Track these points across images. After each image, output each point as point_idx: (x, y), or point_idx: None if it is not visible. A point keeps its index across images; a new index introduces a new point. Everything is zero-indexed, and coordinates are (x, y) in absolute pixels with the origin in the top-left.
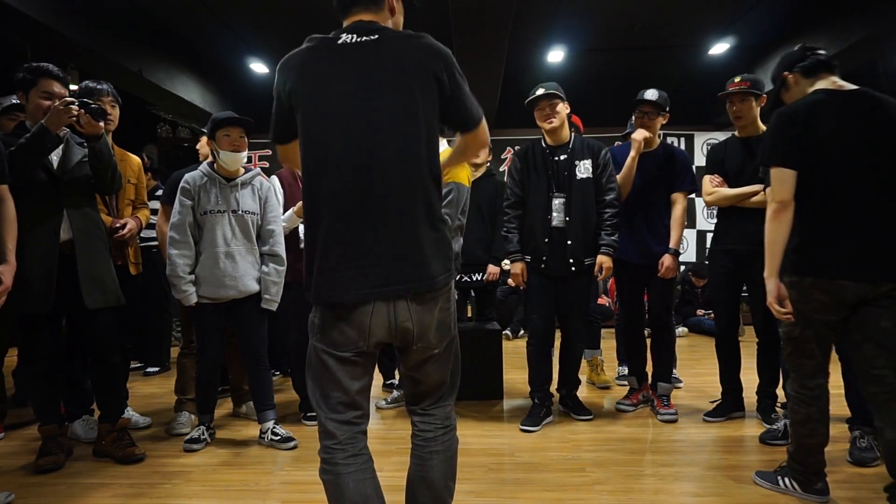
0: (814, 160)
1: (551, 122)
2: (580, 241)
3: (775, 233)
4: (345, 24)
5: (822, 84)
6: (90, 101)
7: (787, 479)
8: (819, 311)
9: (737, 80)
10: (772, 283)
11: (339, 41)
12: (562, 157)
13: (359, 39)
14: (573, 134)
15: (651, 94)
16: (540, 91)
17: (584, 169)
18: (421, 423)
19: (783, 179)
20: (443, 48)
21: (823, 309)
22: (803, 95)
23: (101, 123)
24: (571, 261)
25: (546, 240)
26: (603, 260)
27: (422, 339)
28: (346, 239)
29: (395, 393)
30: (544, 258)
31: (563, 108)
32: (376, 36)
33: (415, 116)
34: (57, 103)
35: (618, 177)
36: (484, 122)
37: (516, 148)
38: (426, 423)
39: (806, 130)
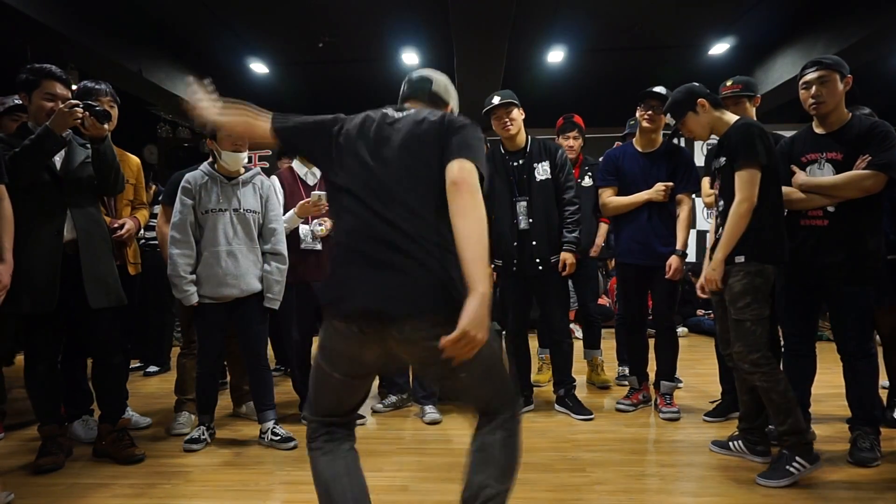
0: (775, 167)
1: (509, 130)
2: (545, 240)
3: (740, 227)
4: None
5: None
6: (94, 104)
7: (796, 462)
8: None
9: (728, 83)
10: (721, 267)
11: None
12: (520, 162)
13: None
14: (529, 137)
15: (660, 88)
16: (496, 100)
17: (542, 171)
18: (479, 425)
19: (755, 181)
20: (443, 122)
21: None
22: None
23: (105, 125)
24: (538, 260)
25: (515, 243)
26: (566, 257)
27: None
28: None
29: (393, 398)
30: (515, 260)
31: (519, 115)
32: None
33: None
34: (61, 105)
35: (614, 200)
36: (469, 166)
37: None
38: (481, 429)
39: (770, 142)
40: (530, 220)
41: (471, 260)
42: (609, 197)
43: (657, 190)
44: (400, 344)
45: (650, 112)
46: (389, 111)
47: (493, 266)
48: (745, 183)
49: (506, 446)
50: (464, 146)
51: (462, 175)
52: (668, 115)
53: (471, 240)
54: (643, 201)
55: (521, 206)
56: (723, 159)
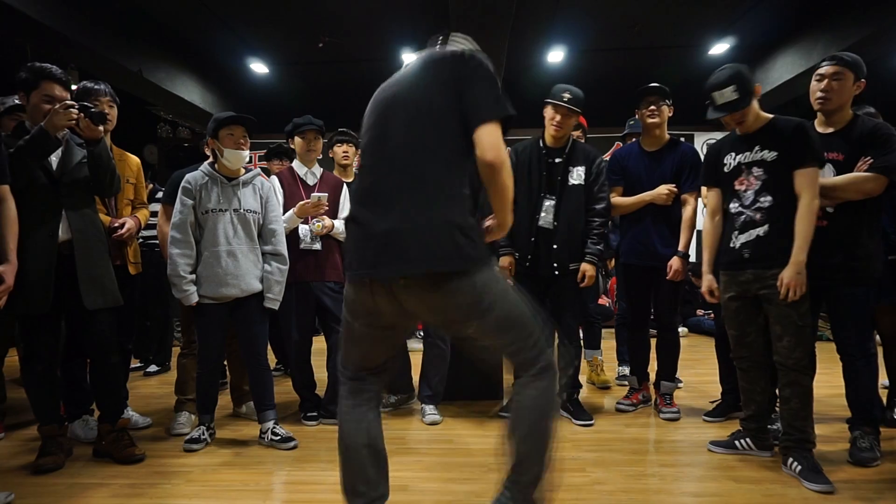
0: None
1: (559, 130)
2: (565, 245)
3: (813, 227)
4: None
5: None
6: (90, 105)
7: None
8: None
9: None
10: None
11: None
12: (557, 160)
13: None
14: (571, 139)
15: (653, 84)
16: (567, 96)
17: (577, 175)
18: (513, 384)
19: (817, 181)
20: (462, 53)
21: None
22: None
23: (101, 127)
24: (556, 265)
25: (532, 238)
26: (586, 267)
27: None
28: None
29: (393, 398)
30: (529, 257)
31: (573, 123)
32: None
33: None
34: (57, 106)
35: (619, 201)
36: (495, 127)
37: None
38: (514, 387)
39: None
40: (555, 223)
41: (501, 207)
42: (614, 197)
43: (660, 193)
44: (407, 299)
45: (651, 107)
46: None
47: (512, 255)
48: (813, 182)
49: (536, 406)
50: (484, 104)
51: (495, 154)
52: (737, 94)
53: (501, 210)
54: (646, 202)
55: (548, 204)
56: (772, 154)
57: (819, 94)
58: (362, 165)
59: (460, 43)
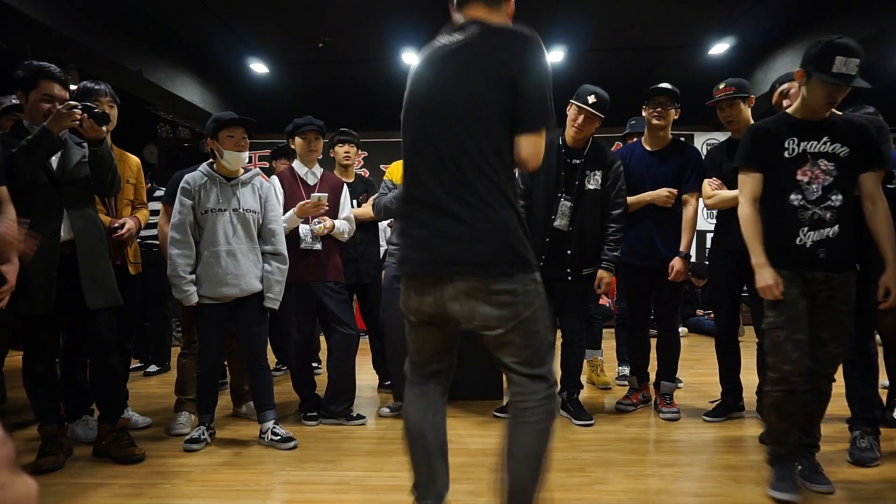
0: None
1: (579, 132)
2: (579, 250)
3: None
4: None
5: None
6: (93, 106)
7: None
8: None
9: (721, 86)
10: None
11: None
12: (576, 161)
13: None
14: (591, 139)
15: (666, 84)
16: (590, 99)
17: (594, 180)
18: (511, 387)
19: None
20: (518, 46)
21: None
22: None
23: (103, 128)
24: (569, 269)
25: (547, 239)
26: (603, 275)
27: (473, 322)
28: None
29: (399, 402)
30: (543, 257)
31: (594, 126)
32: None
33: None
34: (60, 107)
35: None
36: (540, 137)
37: None
38: (514, 388)
39: None
40: (570, 227)
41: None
42: None
43: (660, 194)
44: (452, 299)
45: (659, 109)
46: (444, 39)
47: None
48: (878, 185)
49: (534, 435)
50: (535, 111)
51: (537, 164)
52: (857, 70)
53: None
54: (646, 202)
55: (565, 206)
56: (844, 149)
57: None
58: (409, 165)
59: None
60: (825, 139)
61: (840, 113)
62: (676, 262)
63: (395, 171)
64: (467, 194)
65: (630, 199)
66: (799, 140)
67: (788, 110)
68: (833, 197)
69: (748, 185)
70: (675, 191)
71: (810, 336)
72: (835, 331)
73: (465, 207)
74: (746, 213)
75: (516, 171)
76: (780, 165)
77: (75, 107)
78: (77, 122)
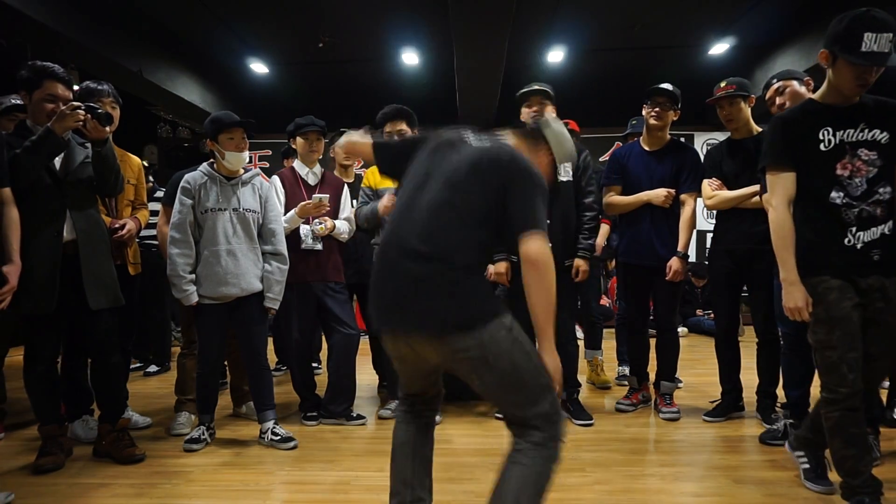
0: None
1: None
2: (560, 242)
3: None
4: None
5: None
6: (96, 106)
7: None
8: None
9: (722, 84)
10: None
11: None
12: None
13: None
14: None
15: (667, 84)
16: (535, 86)
17: (565, 172)
18: (511, 441)
19: None
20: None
21: None
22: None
23: (107, 128)
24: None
25: None
26: (579, 263)
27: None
28: None
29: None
30: None
31: (551, 111)
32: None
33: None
34: (64, 107)
35: (615, 199)
36: (544, 245)
37: None
38: (510, 429)
39: None
40: (548, 221)
41: (540, 328)
42: (613, 196)
43: (658, 194)
44: (421, 348)
45: (657, 109)
46: (468, 134)
47: (508, 260)
48: None
49: (521, 479)
50: (531, 214)
51: (540, 257)
52: (890, 48)
53: (539, 309)
54: (643, 202)
55: None
56: (883, 134)
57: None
58: (395, 208)
59: (539, 135)
60: (862, 126)
61: (873, 96)
62: (674, 262)
63: (372, 174)
64: (434, 253)
65: (628, 197)
66: (834, 129)
67: (814, 96)
68: (881, 189)
69: (781, 186)
70: (673, 191)
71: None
72: (888, 347)
73: (431, 265)
74: (781, 219)
75: None
76: (814, 160)
77: (79, 107)
78: (81, 123)
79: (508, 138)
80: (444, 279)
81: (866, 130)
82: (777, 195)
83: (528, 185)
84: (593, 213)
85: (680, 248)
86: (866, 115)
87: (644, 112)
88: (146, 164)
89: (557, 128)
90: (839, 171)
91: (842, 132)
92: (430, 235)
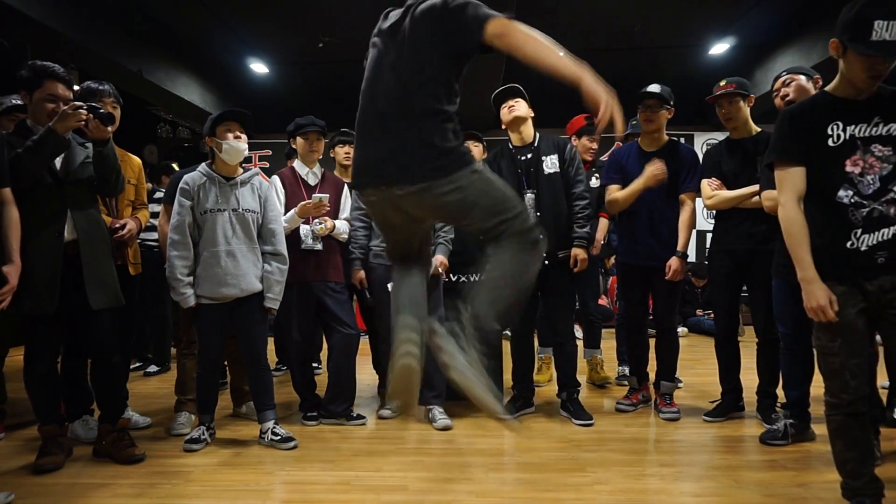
0: None
1: (512, 111)
2: (552, 234)
3: None
4: None
5: None
6: (98, 106)
7: None
8: None
9: (722, 83)
10: None
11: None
12: (528, 156)
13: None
14: (537, 133)
15: (654, 87)
16: (506, 87)
17: (550, 164)
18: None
19: None
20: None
21: None
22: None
23: (109, 128)
24: (544, 254)
25: None
26: (577, 252)
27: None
28: None
29: (398, 402)
30: None
31: (524, 105)
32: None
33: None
34: (66, 107)
35: (615, 195)
36: (498, 21)
37: None
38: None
39: None
40: (538, 214)
41: (555, 65)
42: (613, 194)
43: (651, 174)
44: (409, 206)
45: (647, 112)
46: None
47: None
48: None
49: (509, 260)
50: (477, 12)
51: (504, 29)
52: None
53: (542, 54)
54: (640, 189)
55: (529, 198)
56: None
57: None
58: (361, 102)
59: None
60: (876, 120)
61: (889, 87)
62: (674, 262)
63: None
64: (401, 121)
65: (627, 189)
66: (844, 124)
67: (828, 88)
68: (895, 188)
69: (789, 182)
70: (663, 165)
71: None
72: None
73: (400, 132)
74: (791, 216)
75: None
76: (822, 156)
77: (81, 107)
78: (83, 122)
79: None
80: (413, 133)
81: (881, 125)
82: (785, 192)
83: (457, 4)
84: (585, 201)
85: (679, 247)
86: (882, 109)
87: (639, 115)
88: (175, 166)
89: None
90: (849, 168)
91: (853, 127)
92: (392, 98)
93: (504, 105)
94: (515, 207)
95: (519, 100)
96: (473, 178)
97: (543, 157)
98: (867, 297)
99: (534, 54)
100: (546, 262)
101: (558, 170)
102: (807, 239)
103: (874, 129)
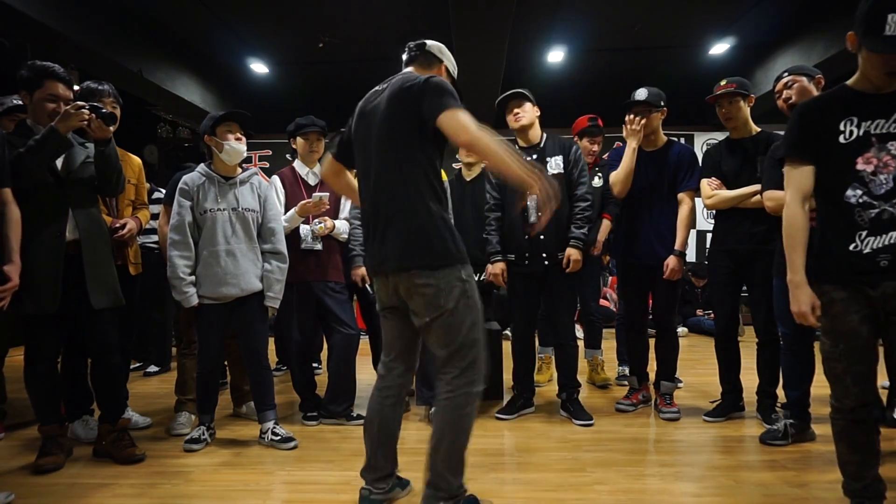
0: None
1: (519, 120)
2: (552, 235)
3: None
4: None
5: None
6: (100, 106)
7: None
8: None
9: (722, 83)
10: None
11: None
12: (533, 156)
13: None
14: (544, 134)
15: (641, 93)
16: (519, 90)
17: (554, 165)
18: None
19: None
20: (418, 79)
21: None
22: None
23: (111, 128)
24: (545, 255)
25: (526, 237)
26: (570, 252)
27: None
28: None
29: None
30: (526, 255)
31: (532, 109)
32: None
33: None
34: (68, 107)
35: (616, 173)
36: (452, 113)
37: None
38: (439, 383)
39: None
40: (539, 214)
41: (509, 175)
42: (612, 177)
43: (631, 129)
44: (397, 284)
45: (638, 118)
46: (379, 86)
47: (504, 260)
48: None
49: (444, 419)
50: (440, 101)
51: (465, 137)
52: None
53: (497, 161)
54: (632, 150)
55: (533, 198)
56: None
57: (787, 106)
58: (360, 188)
59: (431, 55)
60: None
61: None
62: (671, 261)
63: None
64: (397, 212)
65: (619, 169)
66: (859, 119)
67: (848, 82)
68: None
69: (795, 180)
70: (637, 119)
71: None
72: None
73: (397, 221)
74: (791, 216)
75: (487, 182)
76: (831, 153)
77: (83, 107)
78: (85, 122)
79: (411, 70)
80: (406, 226)
81: None
82: (790, 190)
83: (430, 87)
84: (586, 203)
85: (677, 246)
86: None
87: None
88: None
89: (437, 44)
90: (860, 167)
91: (869, 123)
92: (385, 194)
93: (510, 113)
94: (476, 360)
95: (525, 104)
96: (456, 288)
97: (548, 159)
98: (871, 302)
99: (491, 157)
100: (546, 263)
101: (562, 171)
102: (803, 241)
103: (893, 125)
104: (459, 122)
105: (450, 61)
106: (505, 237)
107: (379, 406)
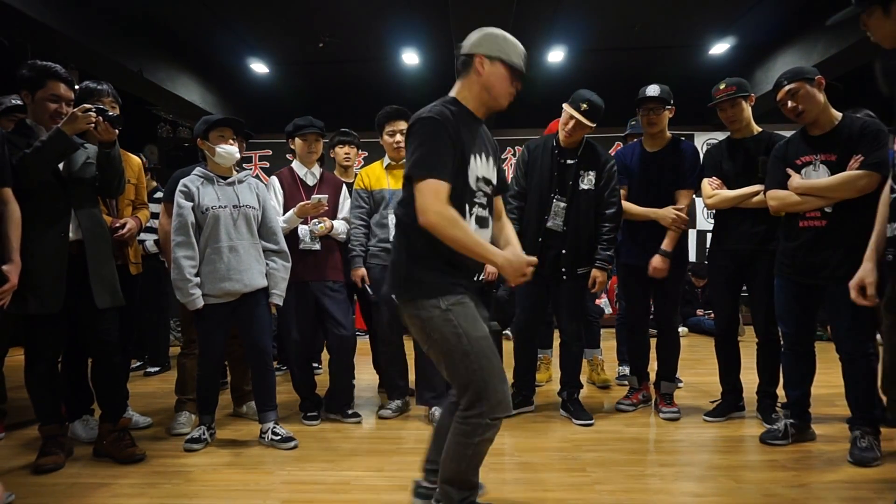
0: None
1: (568, 137)
2: (574, 250)
3: None
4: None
5: None
6: (106, 108)
7: None
8: None
9: (721, 86)
10: None
11: None
12: (570, 162)
13: None
14: (585, 140)
15: (653, 90)
16: (584, 106)
17: (588, 181)
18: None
19: None
20: (412, 121)
21: None
22: None
23: (116, 130)
24: (564, 269)
25: (539, 239)
26: (597, 274)
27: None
28: None
29: (398, 402)
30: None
31: (586, 131)
32: None
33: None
34: (75, 109)
35: (631, 211)
36: (418, 187)
37: (516, 148)
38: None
39: None
40: (564, 227)
41: (476, 256)
42: (623, 201)
43: (667, 214)
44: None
45: (650, 115)
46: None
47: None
48: None
49: (451, 440)
50: (411, 159)
51: (425, 219)
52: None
53: (457, 248)
54: (651, 218)
55: (559, 206)
56: None
57: (793, 113)
58: None
59: (465, 60)
60: None
61: None
62: (654, 260)
63: (370, 173)
64: (397, 239)
65: (638, 209)
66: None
67: None
68: None
69: None
70: (682, 214)
71: None
72: None
73: (395, 249)
74: (882, 199)
75: (516, 168)
76: None
77: (90, 109)
78: (92, 125)
79: (452, 92)
80: (393, 258)
81: None
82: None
83: (408, 137)
84: (613, 224)
85: (664, 246)
86: None
87: (640, 117)
88: (147, 157)
89: (477, 35)
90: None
91: None
92: (397, 233)
93: (569, 119)
94: (474, 390)
95: (587, 129)
96: (437, 320)
97: (582, 172)
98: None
99: (455, 245)
100: (564, 277)
101: (593, 187)
102: (881, 223)
103: None
104: (421, 202)
105: (490, 47)
106: (519, 234)
107: (451, 416)
